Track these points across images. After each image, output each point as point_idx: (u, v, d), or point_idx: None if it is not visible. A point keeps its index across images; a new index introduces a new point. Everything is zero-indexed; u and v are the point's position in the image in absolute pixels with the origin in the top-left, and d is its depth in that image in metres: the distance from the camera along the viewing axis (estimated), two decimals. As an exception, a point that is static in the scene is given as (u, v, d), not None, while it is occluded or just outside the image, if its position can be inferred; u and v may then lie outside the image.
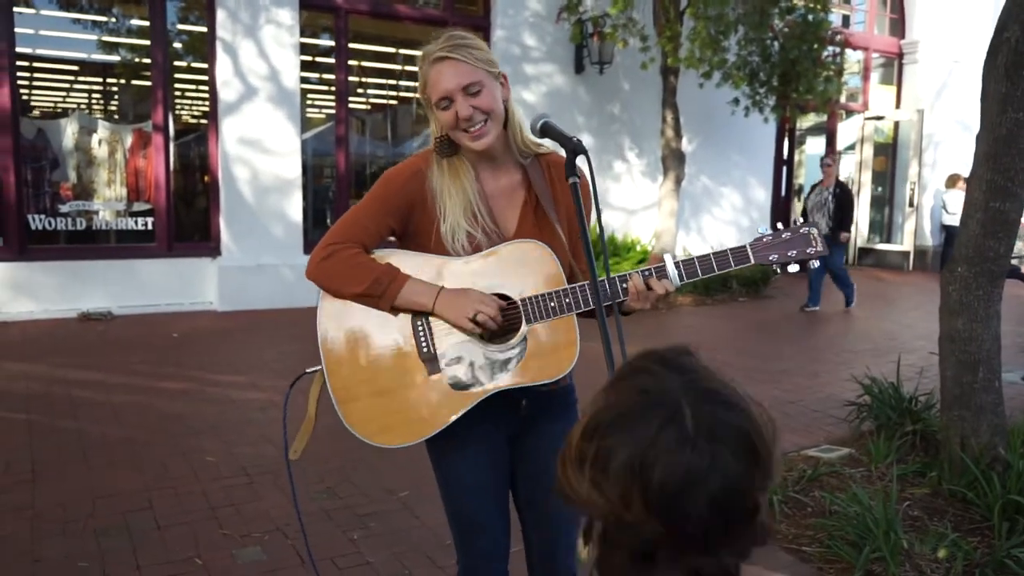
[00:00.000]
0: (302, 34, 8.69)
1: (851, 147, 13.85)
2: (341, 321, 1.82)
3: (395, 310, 1.79)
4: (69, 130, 8.10)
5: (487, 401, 1.78)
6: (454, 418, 1.77)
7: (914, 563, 2.92)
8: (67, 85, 8.68)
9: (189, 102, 9.03)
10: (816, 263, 1.82)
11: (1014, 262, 8.94)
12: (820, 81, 9.82)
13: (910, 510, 3.39)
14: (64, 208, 8.02)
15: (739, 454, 0.82)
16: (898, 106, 13.58)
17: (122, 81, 8.77)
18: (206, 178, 8.70)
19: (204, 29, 8.43)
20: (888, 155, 13.84)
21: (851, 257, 13.35)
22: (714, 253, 1.77)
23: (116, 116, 8.65)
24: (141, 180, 8.34)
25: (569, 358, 1.79)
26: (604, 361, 1.53)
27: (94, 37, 8.40)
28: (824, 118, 13.05)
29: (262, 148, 8.42)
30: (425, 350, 1.79)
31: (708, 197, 11.66)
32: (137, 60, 8.46)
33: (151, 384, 5.44)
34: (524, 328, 1.78)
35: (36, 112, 8.23)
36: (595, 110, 10.44)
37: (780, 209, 12.63)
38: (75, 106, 8.48)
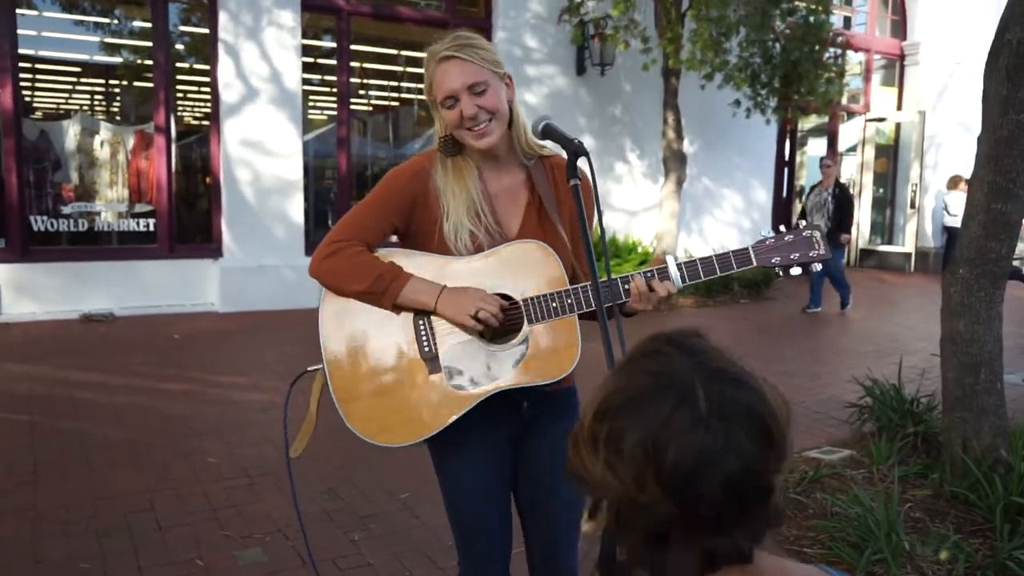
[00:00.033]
0: (304, 36, 8.70)
1: (852, 149, 13.85)
2: (343, 320, 1.82)
3: (397, 308, 1.79)
4: (71, 131, 8.11)
5: (488, 402, 1.78)
6: (455, 418, 1.77)
7: (916, 565, 2.92)
8: (69, 87, 8.70)
9: (191, 104, 9.04)
10: (818, 266, 1.82)
11: (1016, 264, 8.94)
12: (821, 83, 9.82)
13: (912, 512, 3.39)
14: (66, 209, 8.03)
15: (753, 435, 0.82)
16: (899, 108, 13.58)
17: (124, 83, 8.78)
18: (208, 179, 8.71)
19: (206, 31, 8.45)
20: (889, 157, 13.83)
21: (853, 259, 13.35)
22: (716, 255, 1.77)
23: (118, 118, 8.66)
24: (143, 181, 8.35)
25: (570, 358, 1.79)
26: (605, 362, 1.53)
27: (96, 39, 8.41)
28: (825, 120, 13.05)
29: (264, 150, 8.43)
30: (426, 350, 1.79)
31: (709, 198, 11.66)
32: (139, 62, 8.47)
33: (153, 385, 5.45)
34: (526, 328, 1.79)
35: (38, 114, 8.24)
36: (596, 112, 10.44)
37: (781, 210, 12.63)
38: (77, 108, 8.50)
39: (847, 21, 13.26)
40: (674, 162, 9.79)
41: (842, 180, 12.36)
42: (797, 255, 1.80)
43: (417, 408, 1.79)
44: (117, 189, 8.28)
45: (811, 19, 9.56)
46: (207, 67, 8.48)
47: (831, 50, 10.56)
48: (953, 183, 12.13)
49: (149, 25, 8.20)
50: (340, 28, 9.04)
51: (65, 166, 8.11)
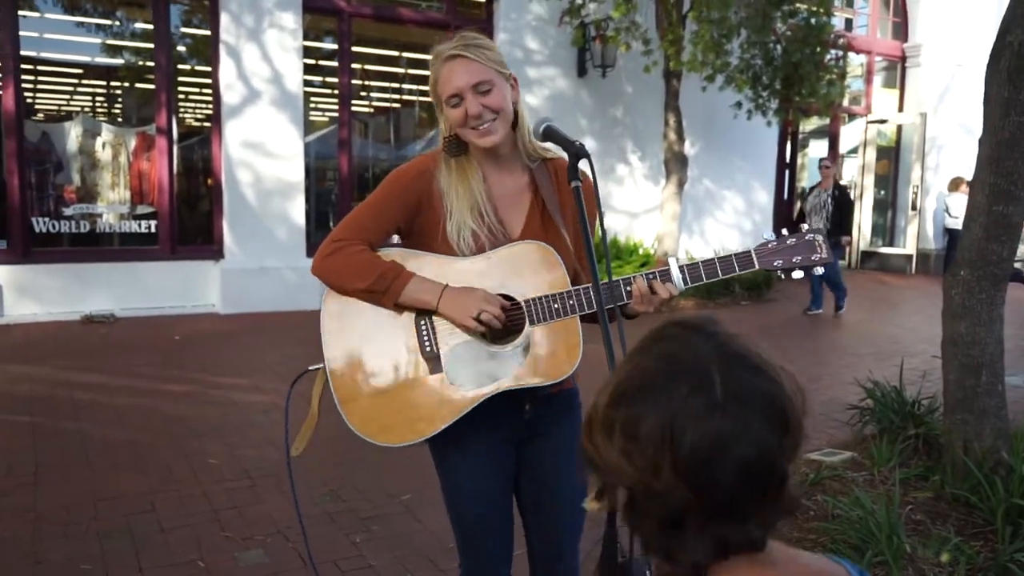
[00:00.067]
0: (305, 37, 8.70)
1: (854, 150, 13.85)
2: (344, 319, 1.82)
3: (399, 307, 1.79)
4: (73, 133, 8.12)
5: (490, 404, 1.78)
6: (456, 418, 1.77)
7: (917, 567, 2.91)
8: (71, 88, 8.71)
9: (192, 105, 9.05)
10: (820, 269, 1.82)
11: (1017, 265, 8.94)
12: (823, 84, 9.82)
13: (913, 514, 3.38)
14: (68, 211, 8.04)
15: (769, 420, 0.81)
16: (901, 109, 13.58)
17: (126, 84, 8.79)
18: (209, 181, 8.71)
19: (208, 33, 8.46)
20: (891, 158, 13.83)
21: (854, 260, 13.35)
22: (719, 258, 1.77)
23: (120, 119, 8.67)
24: (144, 183, 8.36)
25: (572, 360, 1.79)
26: (607, 364, 1.53)
27: (98, 40, 8.42)
28: (827, 121, 13.05)
29: (265, 151, 8.44)
30: (428, 349, 1.80)
31: (711, 200, 11.66)
32: (141, 63, 8.48)
33: (154, 387, 5.45)
34: (528, 329, 1.79)
35: (40, 115, 8.25)
36: (598, 113, 10.45)
37: (783, 212, 12.62)
38: (79, 109, 8.51)
39: (848, 23, 13.26)
40: (675, 164, 9.79)
41: (842, 182, 12.37)
42: (799, 258, 1.80)
43: (418, 408, 1.79)
44: (119, 191, 8.29)
45: (812, 21, 9.56)
46: (209, 69, 8.49)
47: (832, 52, 10.57)
48: (954, 185, 12.14)
49: (151, 27, 8.21)
50: (341, 30, 9.05)
51: (67, 168, 8.12)
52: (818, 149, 13.95)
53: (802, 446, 0.85)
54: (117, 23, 8.51)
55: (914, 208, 13.10)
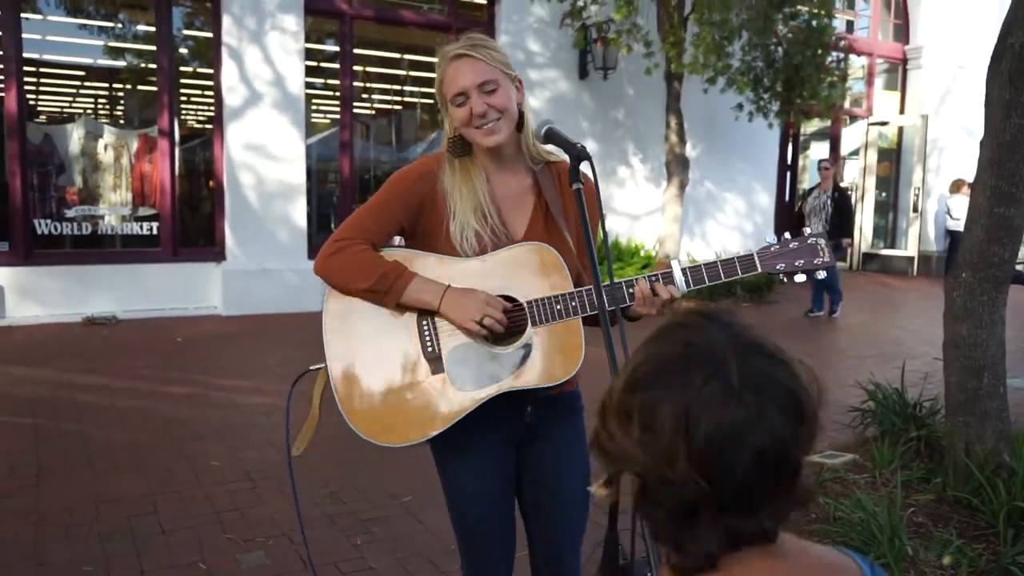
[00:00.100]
0: (307, 40, 8.71)
1: (855, 152, 13.85)
2: (347, 319, 1.83)
3: (401, 307, 1.80)
4: (75, 135, 8.13)
5: (492, 404, 1.78)
6: (458, 419, 1.77)
7: (919, 570, 2.91)
8: (73, 90, 8.72)
9: (194, 107, 9.06)
10: (822, 273, 1.82)
11: (1019, 267, 8.93)
12: (824, 86, 9.82)
13: (915, 516, 3.38)
14: (70, 213, 8.05)
15: (784, 410, 0.81)
16: (902, 111, 13.58)
17: (128, 86, 8.80)
18: (211, 183, 8.73)
19: (210, 35, 8.47)
20: (892, 160, 13.82)
21: (855, 262, 13.34)
22: (721, 261, 1.78)
23: (122, 121, 8.68)
24: (146, 185, 8.37)
25: (574, 361, 1.79)
26: (608, 366, 1.53)
27: (100, 43, 8.43)
28: (828, 123, 13.06)
29: (267, 153, 8.45)
30: (430, 350, 1.80)
31: (712, 202, 11.66)
32: (143, 65, 8.49)
33: (156, 388, 5.45)
34: (530, 330, 1.79)
35: (43, 117, 8.27)
36: (599, 115, 10.45)
37: (784, 214, 12.62)
38: (81, 111, 8.52)
39: (850, 25, 13.26)
40: (677, 166, 9.79)
41: (844, 184, 12.37)
42: (802, 262, 1.80)
43: (419, 408, 1.79)
44: (120, 192, 8.30)
45: (813, 23, 9.56)
46: (211, 71, 8.50)
47: (834, 54, 10.57)
48: (956, 187, 12.13)
49: (153, 29, 8.22)
50: (343, 32, 9.06)
51: (69, 169, 8.13)
52: (819, 151, 13.95)
53: (817, 438, 0.85)
54: (119, 25, 8.53)
55: (915, 210, 13.09)
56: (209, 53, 8.52)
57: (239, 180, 8.35)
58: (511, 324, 1.79)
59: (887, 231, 13.89)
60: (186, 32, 8.77)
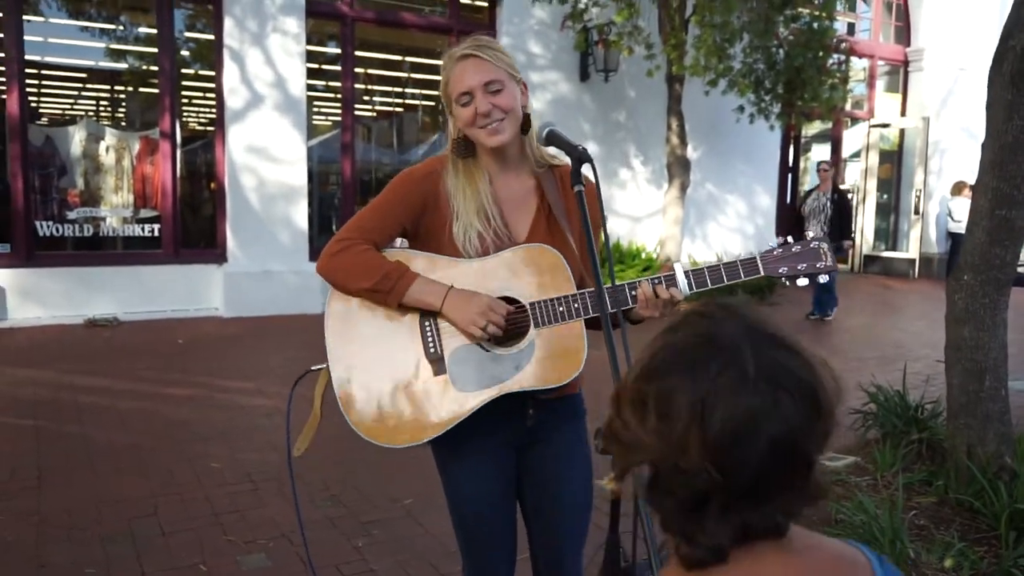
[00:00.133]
0: (309, 42, 8.72)
1: (856, 155, 13.85)
2: (349, 320, 1.83)
3: (403, 308, 1.80)
4: (77, 137, 8.14)
5: (493, 406, 1.78)
6: (459, 420, 1.77)
7: (921, 572, 2.91)
8: (75, 92, 8.73)
9: (196, 109, 9.07)
10: (825, 277, 1.83)
11: (1021, 270, 8.92)
12: (825, 89, 9.82)
13: (916, 519, 3.38)
14: (71, 215, 8.05)
15: (800, 402, 0.81)
16: (903, 114, 13.58)
17: (130, 88, 8.81)
18: (212, 185, 8.73)
19: (211, 37, 8.48)
20: (893, 163, 13.82)
21: (856, 265, 13.33)
22: (724, 264, 1.78)
23: (123, 123, 8.69)
24: (148, 187, 8.38)
25: (576, 363, 1.79)
26: (610, 369, 1.53)
27: (102, 45, 8.44)
28: (829, 126, 13.05)
29: (268, 155, 8.45)
30: (432, 350, 1.80)
31: (713, 204, 11.66)
32: (145, 68, 8.50)
33: (157, 390, 5.45)
34: (532, 332, 1.79)
35: (44, 119, 8.28)
36: (600, 118, 10.46)
37: (785, 216, 12.62)
38: (83, 113, 8.53)
39: (851, 27, 13.26)
40: (678, 168, 9.79)
41: (844, 186, 12.36)
42: (804, 266, 1.81)
43: (421, 409, 1.79)
44: (122, 194, 8.31)
45: (815, 25, 9.56)
46: (212, 73, 8.51)
47: (835, 56, 10.57)
48: (957, 189, 12.13)
49: (155, 31, 8.23)
50: (344, 34, 9.07)
51: (70, 171, 8.14)
52: (821, 153, 13.94)
53: (832, 435, 0.84)
54: (121, 27, 8.54)
55: (917, 212, 13.09)
56: (211, 55, 8.53)
57: (240, 182, 8.36)
58: (513, 326, 1.79)
59: (888, 233, 13.88)
60: (188, 34, 8.78)
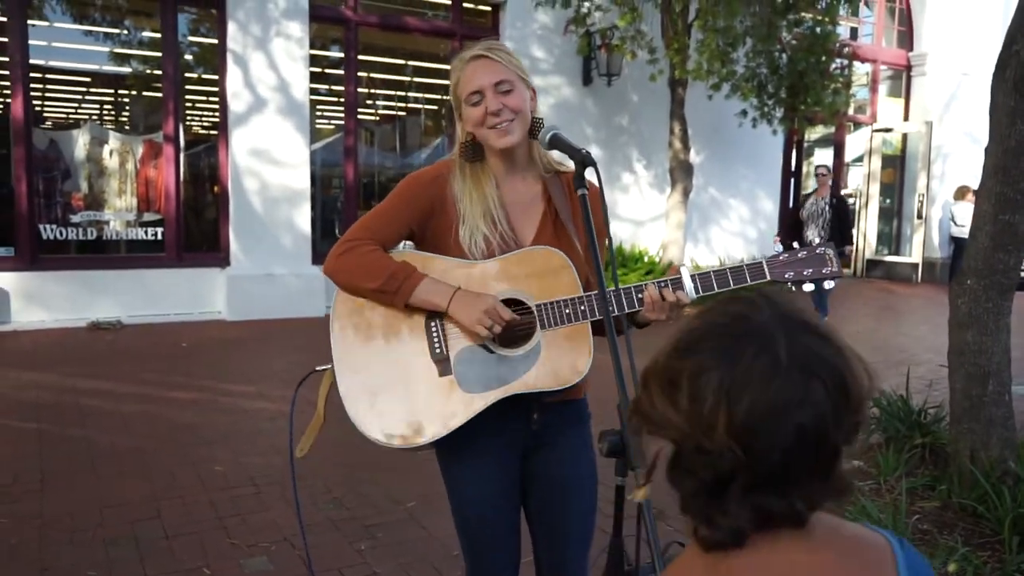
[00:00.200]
0: (312, 46, 8.74)
1: (859, 159, 13.84)
2: (354, 320, 1.83)
3: (409, 308, 1.80)
4: (81, 141, 8.16)
5: (498, 409, 1.78)
6: (464, 421, 1.77)
7: (924, 577, 2.90)
8: (79, 96, 8.76)
9: (199, 113, 9.10)
10: (831, 283, 1.84)
11: (1024, 274, 8.90)
12: (828, 93, 9.83)
13: (919, 524, 3.37)
14: (75, 218, 8.07)
15: (831, 391, 0.81)
16: (906, 118, 13.57)
17: (133, 92, 8.84)
18: (215, 188, 8.75)
19: (215, 41, 8.51)
20: (896, 167, 13.82)
21: (859, 269, 13.32)
22: (730, 268, 1.79)
23: (127, 127, 8.72)
24: (151, 190, 8.39)
25: (582, 366, 1.79)
26: (614, 372, 1.53)
27: (106, 49, 8.47)
28: (832, 130, 13.05)
29: (271, 159, 8.47)
30: (438, 351, 1.80)
31: (716, 209, 11.66)
32: (148, 72, 8.53)
33: (160, 394, 5.46)
34: (538, 334, 1.79)
35: (48, 123, 8.30)
36: (603, 122, 10.47)
37: (783, 220, 12.60)
38: (87, 117, 8.55)
39: (854, 32, 13.26)
40: (680, 172, 9.79)
41: (845, 190, 12.34)
42: (810, 271, 1.82)
43: (426, 410, 1.79)
44: (126, 198, 8.33)
45: (818, 30, 9.58)
46: (216, 77, 8.53)
47: (838, 61, 10.58)
48: (960, 193, 12.11)
49: (158, 35, 8.25)
50: (348, 39, 9.09)
51: (74, 175, 8.16)
52: (823, 158, 13.93)
53: (860, 429, 0.85)
54: (125, 32, 8.57)
55: (920, 217, 13.08)
56: (214, 59, 8.55)
57: (244, 186, 8.38)
58: (519, 328, 1.79)
59: (891, 238, 13.87)
60: (191, 38, 8.81)
